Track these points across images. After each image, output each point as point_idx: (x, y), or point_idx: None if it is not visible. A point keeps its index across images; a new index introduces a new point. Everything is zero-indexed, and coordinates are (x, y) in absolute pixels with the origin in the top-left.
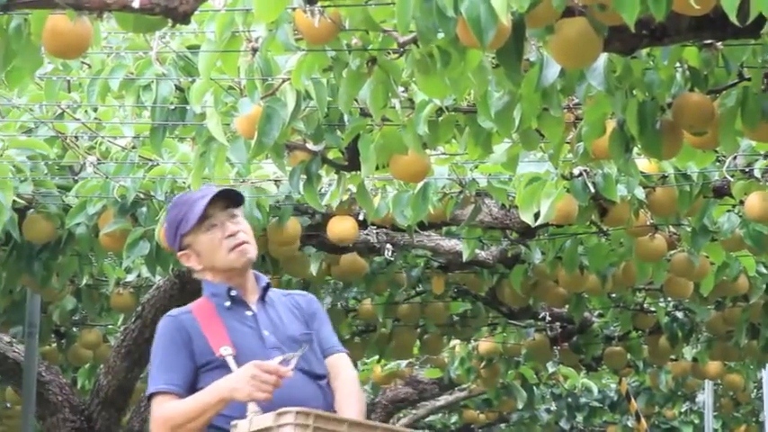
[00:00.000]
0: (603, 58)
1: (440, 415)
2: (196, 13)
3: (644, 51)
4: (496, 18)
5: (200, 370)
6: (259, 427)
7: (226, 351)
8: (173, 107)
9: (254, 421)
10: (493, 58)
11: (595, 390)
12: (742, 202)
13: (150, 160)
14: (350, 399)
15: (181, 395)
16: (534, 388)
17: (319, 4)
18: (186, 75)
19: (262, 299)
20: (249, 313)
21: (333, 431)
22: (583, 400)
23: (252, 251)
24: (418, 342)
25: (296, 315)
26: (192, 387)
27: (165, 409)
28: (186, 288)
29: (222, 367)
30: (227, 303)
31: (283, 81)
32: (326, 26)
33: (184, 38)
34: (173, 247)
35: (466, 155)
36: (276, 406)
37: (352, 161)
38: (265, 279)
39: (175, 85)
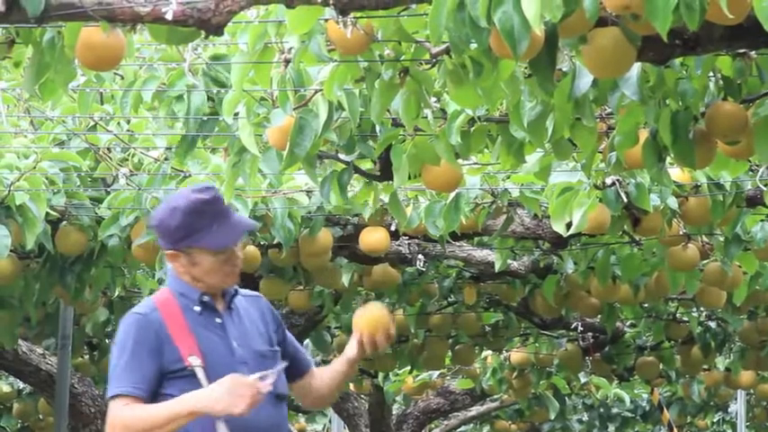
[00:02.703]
0: (636, 67)
1: (471, 425)
2: (229, 24)
3: (677, 61)
4: (529, 28)
5: (165, 377)
6: None
7: (195, 362)
8: (205, 118)
9: None
10: (525, 68)
11: (627, 400)
12: None
13: (182, 171)
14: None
15: (145, 401)
16: (566, 398)
17: (352, 15)
18: (217, 86)
19: (229, 306)
20: (218, 321)
21: None
22: (615, 410)
23: (238, 274)
24: (450, 353)
25: (258, 326)
26: (155, 394)
27: (127, 413)
28: None
29: (190, 377)
30: (197, 308)
31: (316, 92)
32: (359, 37)
33: (216, 48)
34: (163, 244)
35: (498, 165)
36: (242, 428)
37: (384, 171)
38: (234, 285)
39: (208, 96)
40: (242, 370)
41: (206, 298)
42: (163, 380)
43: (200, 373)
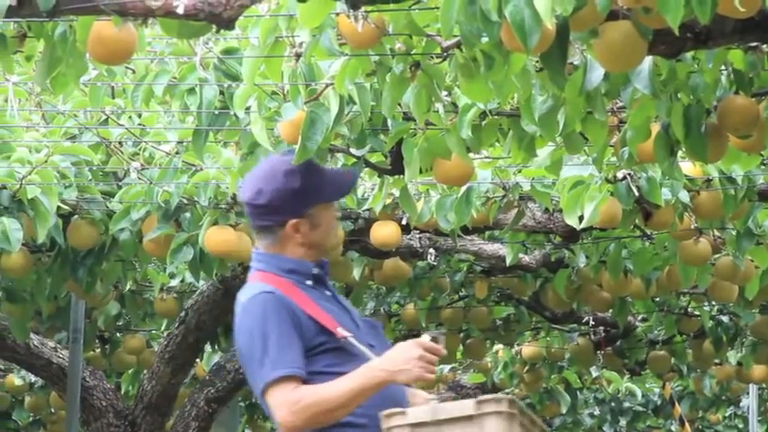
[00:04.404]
0: (648, 61)
1: None
2: (240, 18)
3: (689, 54)
4: (540, 22)
5: (308, 352)
6: (450, 415)
7: (347, 332)
8: (216, 112)
9: (439, 409)
10: (537, 61)
11: (639, 394)
12: None
13: (194, 165)
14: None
15: (306, 380)
16: (578, 392)
17: (363, 9)
18: (228, 80)
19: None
20: (328, 293)
21: (524, 424)
22: (626, 404)
23: None
24: (461, 347)
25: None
26: None
27: (304, 396)
28: (229, 293)
29: (339, 350)
30: (309, 282)
31: (327, 86)
32: (370, 31)
33: (227, 42)
34: (280, 217)
35: (509, 159)
36: (382, 397)
37: (395, 165)
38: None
39: (220, 90)
40: (369, 340)
41: (316, 270)
42: (306, 357)
43: (356, 343)
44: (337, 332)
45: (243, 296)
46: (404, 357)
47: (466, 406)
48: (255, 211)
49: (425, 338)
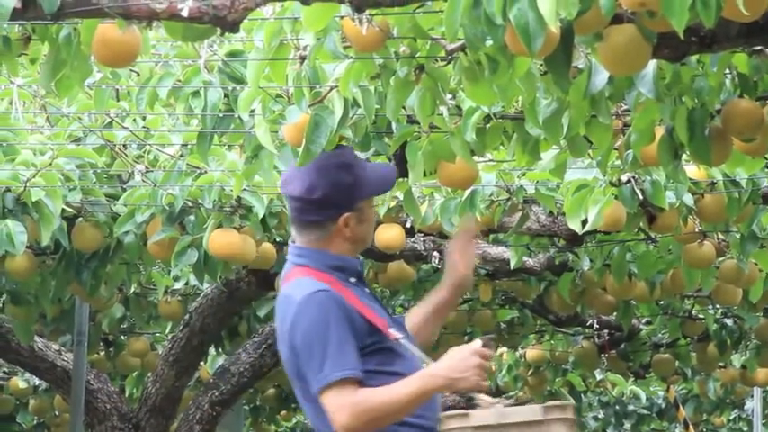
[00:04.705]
0: (653, 64)
1: None
2: (244, 21)
3: (693, 58)
4: (545, 25)
5: (360, 351)
6: (517, 419)
7: (398, 334)
8: (221, 115)
9: (505, 413)
10: (541, 65)
11: (643, 397)
12: None
13: (198, 168)
14: None
15: (362, 382)
16: (582, 395)
17: (367, 12)
18: (232, 82)
19: None
20: (367, 290)
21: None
22: (631, 407)
23: None
24: None
25: None
26: None
27: (365, 399)
28: (234, 296)
29: (388, 349)
30: (353, 279)
31: (331, 89)
32: (374, 34)
33: (232, 45)
34: (334, 212)
35: (513, 162)
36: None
37: (399, 168)
38: None
39: (224, 93)
40: (407, 339)
41: (359, 267)
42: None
43: (408, 345)
44: (390, 333)
45: (296, 293)
46: (464, 365)
47: (533, 411)
48: (308, 206)
49: (478, 344)
